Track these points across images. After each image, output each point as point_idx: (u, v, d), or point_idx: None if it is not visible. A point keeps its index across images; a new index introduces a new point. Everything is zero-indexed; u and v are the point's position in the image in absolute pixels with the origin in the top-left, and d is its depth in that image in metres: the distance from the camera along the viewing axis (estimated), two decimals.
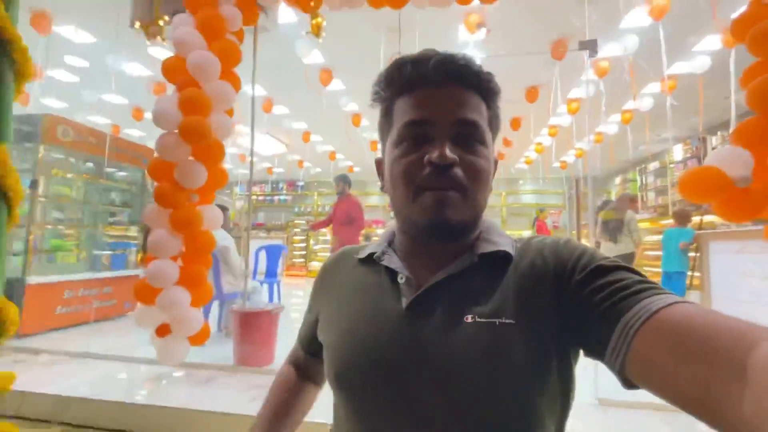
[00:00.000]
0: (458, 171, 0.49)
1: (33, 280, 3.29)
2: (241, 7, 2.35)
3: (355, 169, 10.03)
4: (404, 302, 0.51)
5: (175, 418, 1.96)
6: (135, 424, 1.97)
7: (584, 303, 0.43)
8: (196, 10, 2.27)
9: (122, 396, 2.11)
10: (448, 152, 0.47)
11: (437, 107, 0.50)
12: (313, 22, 2.96)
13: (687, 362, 0.32)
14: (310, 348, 0.66)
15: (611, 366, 0.39)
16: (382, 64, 3.49)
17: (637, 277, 0.42)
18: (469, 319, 0.47)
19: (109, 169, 4.32)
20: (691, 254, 3.96)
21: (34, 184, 3.39)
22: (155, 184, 2.22)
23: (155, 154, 2.21)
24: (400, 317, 0.50)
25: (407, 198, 0.50)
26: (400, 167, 0.51)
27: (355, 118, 5.63)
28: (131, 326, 3.29)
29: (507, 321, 0.46)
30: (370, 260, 0.59)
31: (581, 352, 0.47)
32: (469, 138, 0.50)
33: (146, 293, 2.12)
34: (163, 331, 2.20)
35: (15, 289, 3.15)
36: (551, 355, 0.45)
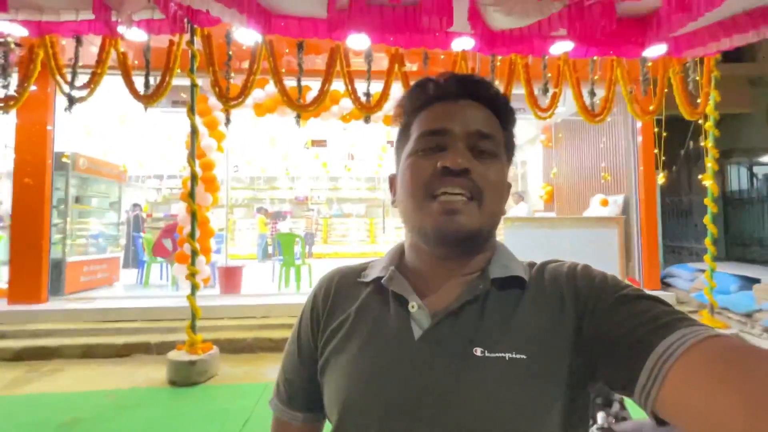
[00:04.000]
0: (474, 177, 0.48)
1: (71, 259, 5.16)
2: None
3: None
4: (416, 332, 0.48)
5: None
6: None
7: (608, 335, 0.41)
8: None
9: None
10: (461, 158, 0.47)
11: (453, 118, 0.50)
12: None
13: (725, 398, 0.30)
14: (307, 403, 0.58)
15: (641, 402, 0.37)
16: None
17: (664, 308, 0.41)
18: (478, 352, 0.45)
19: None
20: None
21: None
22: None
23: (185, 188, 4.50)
24: (413, 350, 0.47)
25: (418, 204, 0.50)
26: (412, 174, 0.50)
27: None
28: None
29: (518, 356, 0.44)
30: (376, 284, 0.55)
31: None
32: (483, 150, 0.50)
33: (184, 257, 4.44)
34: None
35: (62, 265, 5.02)
36: (565, 391, 0.43)
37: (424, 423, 0.44)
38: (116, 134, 6.92)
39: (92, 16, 3.07)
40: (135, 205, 8.75)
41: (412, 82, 0.60)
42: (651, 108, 4.16)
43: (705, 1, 2.58)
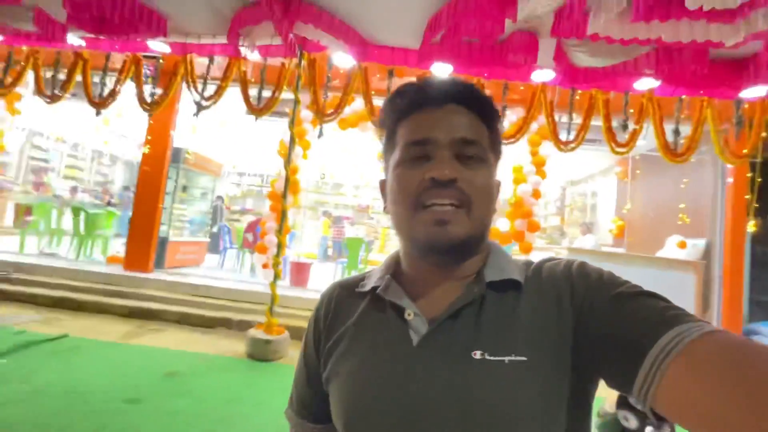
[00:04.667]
0: (461, 186, 0.48)
1: (172, 239, 6.05)
2: None
3: None
4: (414, 340, 0.49)
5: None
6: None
7: (607, 332, 0.41)
8: None
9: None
10: (447, 168, 0.48)
11: (437, 126, 0.50)
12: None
13: (724, 394, 0.31)
14: (317, 414, 0.59)
15: (640, 399, 0.37)
16: None
17: (663, 303, 0.41)
18: (477, 355, 0.45)
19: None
20: None
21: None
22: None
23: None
24: (411, 357, 0.48)
25: (408, 215, 0.50)
26: (401, 186, 0.51)
27: None
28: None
29: (518, 358, 0.44)
30: (373, 294, 0.56)
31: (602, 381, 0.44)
32: (470, 156, 0.50)
33: (263, 248, 5.01)
34: (266, 265, 5.09)
35: (165, 243, 5.90)
36: (567, 391, 0.44)
37: (425, 428, 0.44)
38: (216, 135, 7.92)
39: (224, 41, 3.74)
40: (218, 197, 9.85)
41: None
42: (744, 151, 3.96)
43: None
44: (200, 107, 3.96)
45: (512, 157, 5.01)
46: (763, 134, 3.87)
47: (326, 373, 0.55)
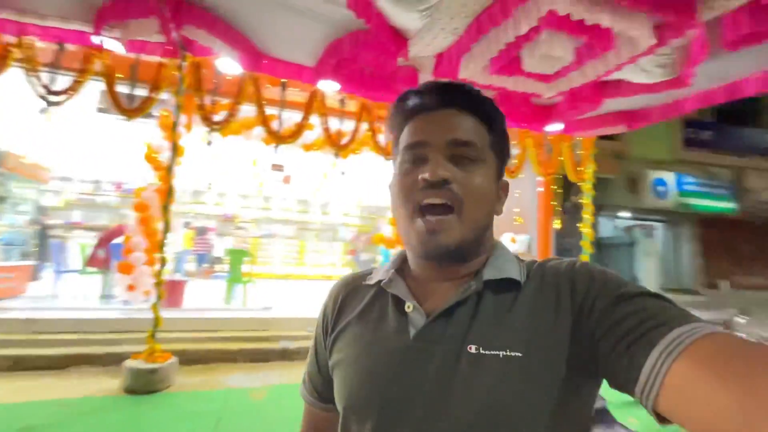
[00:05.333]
0: (453, 187, 0.50)
1: None
2: None
3: None
4: (412, 332, 0.51)
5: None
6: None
7: (609, 333, 0.41)
8: None
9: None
10: (440, 169, 0.49)
11: (432, 129, 0.52)
12: None
13: (725, 395, 0.31)
14: (325, 394, 0.63)
15: (643, 400, 0.37)
16: None
17: (664, 303, 0.41)
18: (472, 349, 0.46)
19: None
20: None
21: None
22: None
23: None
24: (407, 349, 0.50)
25: (406, 219, 0.53)
26: (399, 188, 0.54)
27: None
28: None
29: (514, 354, 0.45)
30: (378, 287, 0.59)
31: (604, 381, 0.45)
32: (464, 157, 0.51)
33: (127, 268, 4.36)
34: (132, 287, 4.44)
35: None
36: (563, 389, 0.44)
37: (417, 418, 0.46)
38: (42, 132, 6.35)
39: (79, 27, 3.20)
40: (41, 208, 7.88)
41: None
42: (549, 170, 5.45)
43: (587, 106, 3.75)
44: (49, 102, 3.26)
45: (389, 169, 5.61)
46: (560, 158, 5.39)
47: (331, 361, 0.58)
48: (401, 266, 0.60)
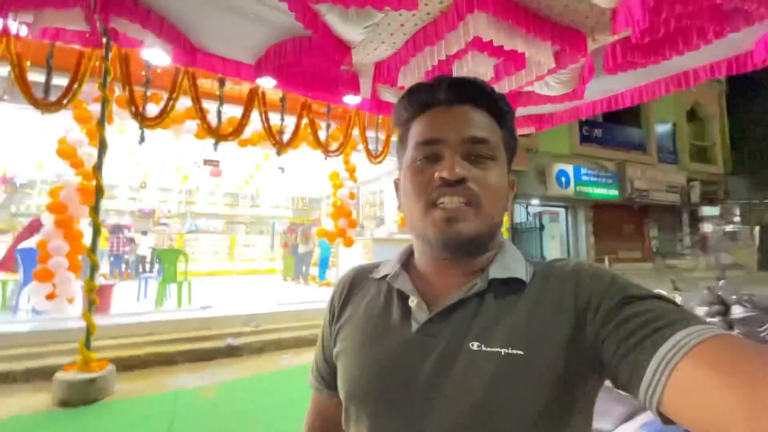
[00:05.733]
0: (470, 185, 0.50)
1: None
2: None
3: None
4: (414, 326, 0.51)
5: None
6: None
7: (614, 334, 0.41)
8: None
9: None
10: (457, 168, 0.49)
11: (447, 126, 0.52)
12: None
13: (730, 398, 0.31)
14: (331, 382, 0.63)
15: (647, 401, 0.37)
16: None
17: (670, 306, 0.42)
18: (474, 346, 0.46)
19: None
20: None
21: None
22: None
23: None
24: (408, 341, 0.51)
25: (420, 214, 0.52)
26: (413, 185, 0.53)
27: None
28: None
29: (515, 352, 0.45)
30: (384, 281, 0.59)
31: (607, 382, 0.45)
32: (480, 154, 0.51)
33: (45, 275, 3.98)
34: (51, 296, 4.07)
35: None
36: (565, 389, 0.44)
37: (414, 410, 0.46)
38: None
39: None
40: None
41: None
42: None
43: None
44: None
45: (328, 166, 5.76)
46: None
47: (336, 348, 0.59)
48: (407, 261, 0.61)
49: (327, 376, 0.65)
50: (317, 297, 6.27)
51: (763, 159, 13.34)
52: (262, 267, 11.49)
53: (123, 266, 8.95)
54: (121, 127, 5.36)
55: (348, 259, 7.53)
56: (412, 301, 0.54)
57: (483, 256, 0.54)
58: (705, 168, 13.52)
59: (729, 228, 12.73)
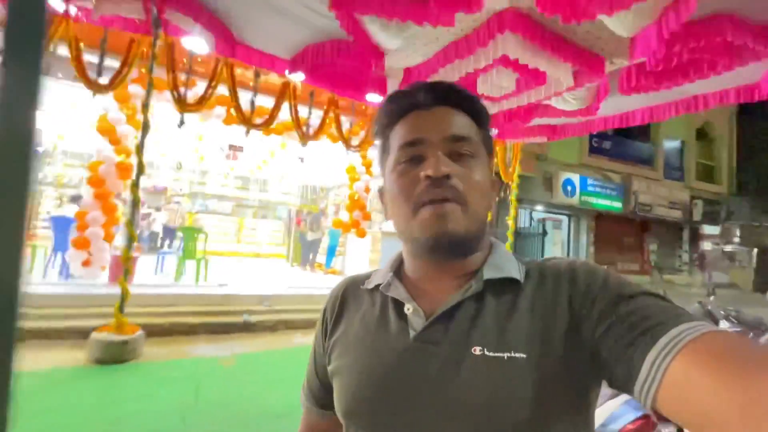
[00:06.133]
0: (455, 182, 0.50)
1: None
2: None
3: None
4: (412, 334, 0.51)
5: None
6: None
7: (609, 332, 0.42)
8: None
9: None
10: (442, 165, 0.49)
11: (429, 126, 0.52)
12: None
13: (724, 395, 0.31)
14: (322, 400, 0.62)
15: (642, 398, 0.37)
16: None
17: (663, 303, 0.42)
18: (477, 351, 0.46)
19: None
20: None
21: None
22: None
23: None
24: (408, 351, 0.50)
25: (408, 215, 0.52)
26: (399, 188, 0.53)
27: None
28: None
29: (517, 355, 0.44)
30: (377, 291, 0.58)
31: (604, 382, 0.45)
32: (462, 153, 0.52)
33: (83, 243, 4.26)
34: (87, 262, 4.34)
35: None
36: (568, 390, 0.44)
37: (420, 420, 0.46)
38: None
39: None
40: None
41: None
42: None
43: (520, 122, 4.53)
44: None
45: (339, 158, 5.98)
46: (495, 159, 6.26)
47: (331, 367, 0.57)
48: (398, 269, 0.60)
49: (318, 394, 0.63)
50: (324, 284, 6.56)
51: None
52: (269, 251, 11.77)
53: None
54: (152, 109, 5.62)
55: (356, 249, 7.81)
56: (408, 309, 0.53)
57: (474, 257, 0.54)
58: (709, 187, 13.70)
59: (728, 248, 12.94)
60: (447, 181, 0.49)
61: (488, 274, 0.51)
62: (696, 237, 13.51)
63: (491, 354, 0.45)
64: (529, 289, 0.50)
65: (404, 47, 3.08)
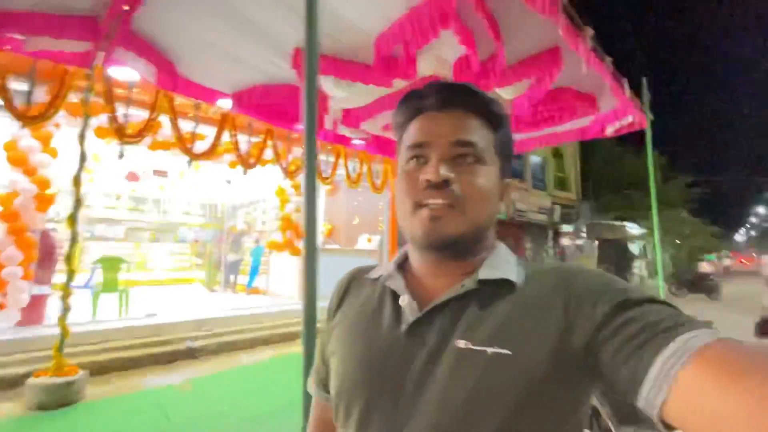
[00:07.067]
0: (455, 188, 0.51)
1: None
2: None
3: None
4: (404, 326, 0.52)
5: None
6: None
7: (612, 339, 0.41)
8: None
9: None
10: (441, 170, 0.50)
11: (435, 130, 0.54)
12: None
13: (733, 404, 0.31)
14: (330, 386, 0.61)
15: (648, 407, 0.37)
16: None
17: (670, 310, 0.41)
18: (461, 344, 0.47)
19: None
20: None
21: None
22: None
23: None
24: (397, 340, 0.52)
25: (408, 214, 0.54)
26: (403, 186, 0.55)
27: None
28: None
29: (502, 351, 0.45)
30: (378, 281, 0.61)
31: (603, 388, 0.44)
32: (466, 158, 0.52)
33: None
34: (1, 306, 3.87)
35: None
36: (555, 392, 0.44)
37: (402, 408, 0.47)
38: None
39: None
40: None
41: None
42: None
43: None
44: None
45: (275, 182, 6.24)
46: None
47: (329, 349, 0.61)
48: (403, 263, 0.62)
49: (326, 378, 0.63)
50: (249, 304, 6.67)
51: (603, 189, 17.82)
52: (179, 276, 10.99)
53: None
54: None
55: (279, 268, 7.99)
56: (403, 300, 0.54)
57: (475, 257, 0.55)
58: (564, 194, 17.18)
59: (579, 242, 16.36)
60: (446, 186, 0.51)
61: (483, 274, 0.52)
62: (557, 235, 16.76)
63: (475, 348, 0.46)
64: (523, 290, 0.51)
65: (348, 96, 3.73)
